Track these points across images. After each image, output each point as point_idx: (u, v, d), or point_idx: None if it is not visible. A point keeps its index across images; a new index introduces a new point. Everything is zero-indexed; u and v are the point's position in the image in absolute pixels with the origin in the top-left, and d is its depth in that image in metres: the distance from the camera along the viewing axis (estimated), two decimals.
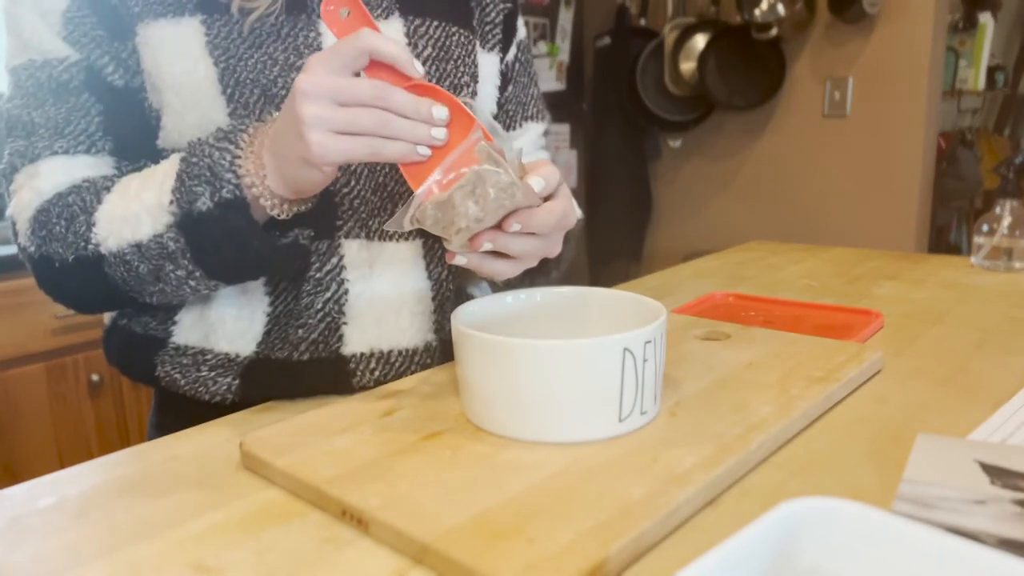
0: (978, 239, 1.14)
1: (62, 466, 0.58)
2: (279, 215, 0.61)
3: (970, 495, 0.47)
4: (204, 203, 0.59)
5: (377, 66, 0.56)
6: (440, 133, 0.56)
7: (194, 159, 0.60)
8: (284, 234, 0.62)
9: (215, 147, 0.59)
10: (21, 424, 1.63)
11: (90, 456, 0.60)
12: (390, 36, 0.70)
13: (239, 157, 0.59)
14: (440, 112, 0.56)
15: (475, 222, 0.54)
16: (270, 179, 0.58)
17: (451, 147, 0.57)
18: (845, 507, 0.34)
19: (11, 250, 1.66)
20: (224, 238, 0.60)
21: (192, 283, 0.63)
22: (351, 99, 0.53)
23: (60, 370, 1.68)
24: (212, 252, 0.61)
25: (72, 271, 0.64)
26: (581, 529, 0.42)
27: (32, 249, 0.65)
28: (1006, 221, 1.11)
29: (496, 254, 0.58)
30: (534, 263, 0.61)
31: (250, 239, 0.60)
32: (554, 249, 0.61)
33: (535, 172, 0.57)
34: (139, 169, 0.68)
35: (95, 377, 1.73)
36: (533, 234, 0.57)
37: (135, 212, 0.61)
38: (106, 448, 1.75)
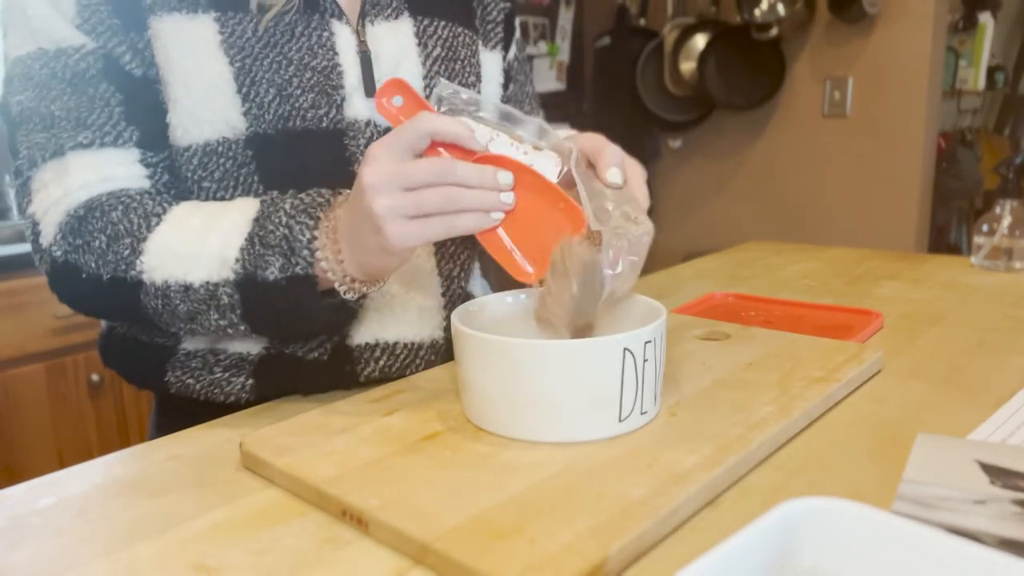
0: (978, 239, 1.14)
1: (62, 466, 0.58)
2: (352, 296, 0.60)
3: (970, 495, 0.47)
4: (272, 273, 0.58)
5: (437, 145, 0.57)
6: (509, 197, 0.57)
7: (270, 226, 0.59)
8: (334, 295, 0.61)
9: (293, 218, 0.58)
10: (21, 424, 1.63)
11: (90, 456, 0.60)
12: (403, 35, 0.70)
13: (317, 239, 0.58)
14: (505, 177, 0.57)
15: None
16: (348, 266, 0.58)
17: (527, 210, 0.57)
18: (845, 507, 0.34)
19: (11, 250, 1.65)
20: (285, 307, 0.59)
21: (231, 331, 0.63)
22: (417, 182, 0.54)
23: (60, 370, 1.68)
24: (267, 315, 0.60)
25: (103, 288, 0.62)
26: (581, 529, 0.42)
27: (58, 253, 0.63)
28: (1006, 221, 1.11)
29: None
30: None
31: (311, 311, 0.60)
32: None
33: (601, 159, 0.58)
34: (168, 166, 0.66)
35: (95, 377, 1.73)
36: None
37: (192, 254, 0.60)
38: (106, 448, 1.75)
